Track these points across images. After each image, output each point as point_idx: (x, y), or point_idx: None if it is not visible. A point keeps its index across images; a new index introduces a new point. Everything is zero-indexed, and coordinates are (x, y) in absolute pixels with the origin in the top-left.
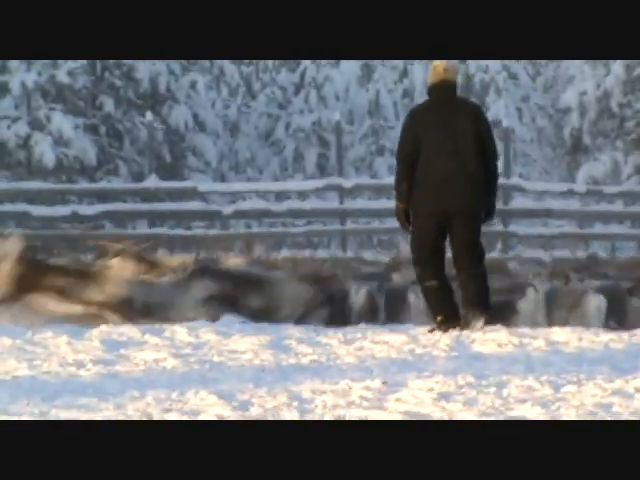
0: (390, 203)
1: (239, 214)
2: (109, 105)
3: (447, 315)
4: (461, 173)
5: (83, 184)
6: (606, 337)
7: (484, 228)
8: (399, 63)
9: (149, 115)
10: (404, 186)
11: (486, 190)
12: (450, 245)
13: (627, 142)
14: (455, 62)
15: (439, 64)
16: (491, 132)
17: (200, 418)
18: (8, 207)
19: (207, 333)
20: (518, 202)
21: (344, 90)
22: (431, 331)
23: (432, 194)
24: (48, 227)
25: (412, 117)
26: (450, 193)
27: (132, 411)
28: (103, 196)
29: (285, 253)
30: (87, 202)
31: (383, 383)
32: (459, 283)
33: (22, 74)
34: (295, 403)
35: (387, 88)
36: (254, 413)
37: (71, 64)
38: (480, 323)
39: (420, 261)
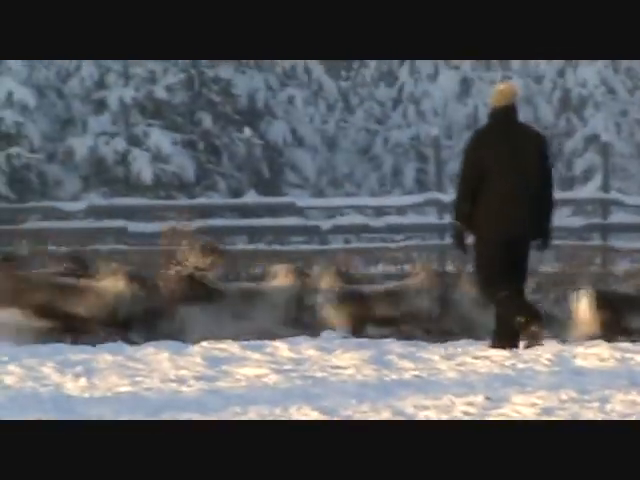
0: None
1: (337, 229)
2: (207, 121)
3: (529, 315)
4: (524, 197)
5: (181, 200)
6: None
7: (579, 242)
8: (496, 76)
9: (247, 130)
10: (465, 207)
11: (545, 216)
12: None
13: None
14: (515, 84)
15: (503, 87)
16: (550, 160)
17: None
18: (107, 223)
19: (308, 349)
20: (617, 217)
21: (442, 105)
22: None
23: (495, 217)
24: (146, 243)
25: (476, 139)
26: (512, 216)
27: None
28: (202, 212)
29: (382, 269)
30: (186, 218)
31: (486, 398)
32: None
33: (120, 90)
34: (398, 419)
35: (485, 102)
36: None
37: (169, 79)
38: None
39: (488, 281)
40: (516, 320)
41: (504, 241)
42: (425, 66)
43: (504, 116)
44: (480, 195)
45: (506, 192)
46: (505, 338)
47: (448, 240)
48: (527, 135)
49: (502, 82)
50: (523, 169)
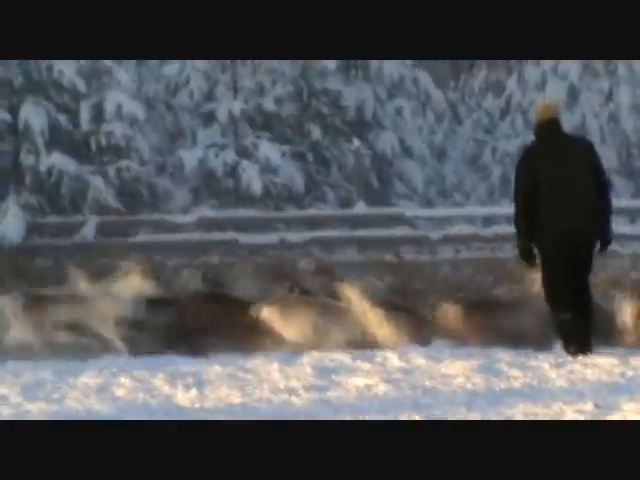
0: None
1: (447, 239)
2: (316, 132)
3: (579, 347)
4: (583, 207)
5: (291, 211)
6: None
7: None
8: (604, 86)
9: (356, 142)
10: (525, 225)
11: (604, 221)
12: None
13: None
14: (555, 100)
15: (547, 102)
16: (603, 167)
17: None
18: (217, 235)
19: (418, 358)
20: None
21: None
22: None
23: (558, 229)
24: (257, 255)
25: (527, 157)
26: (574, 227)
27: None
28: (311, 223)
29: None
30: (295, 229)
31: (595, 406)
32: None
33: (229, 102)
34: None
35: (593, 112)
36: None
37: (278, 91)
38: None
39: (553, 296)
40: (568, 349)
41: (567, 250)
42: (533, 75)
43: (550, 129)
44: (537, 209)
45: (561, 202)
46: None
47: None
48: (575, 144)
49: (543, 99)
50: (575, 177)
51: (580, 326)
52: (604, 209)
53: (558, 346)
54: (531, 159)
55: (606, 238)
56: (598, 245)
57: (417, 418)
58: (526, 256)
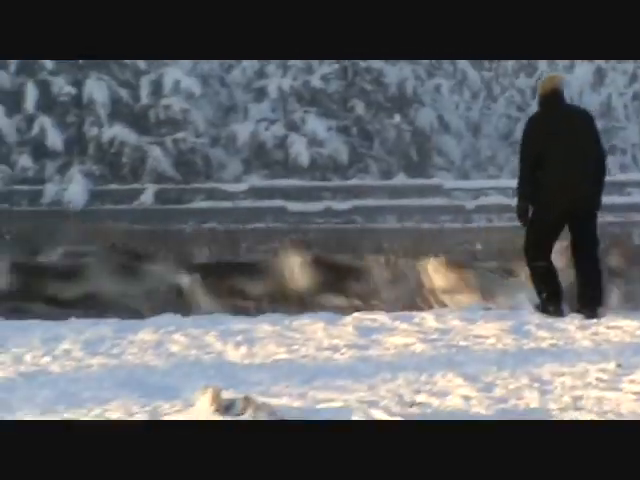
0: (627, 199)
1: (480, 209)
2: (360, 108)
3: (552, 292)
4: (583, 174)
5: (336, 181)
6: None
7: None
8: (629, 67)
9: (397, 117)
10: (527, 187)
11: (599, 188)
12: (572, 236)
13: None
14: (561, 74)
15: (552, 76)
16: (600, 137)
17: (448, 399)
18: (267, 203)
19: (453, 319)
20: None
21: (578, 93)
22: (537, 308)
23: (556, 192)
24: (303, 222)
25: (532, 124)
26: (574, 192)
27: (384, 392)
28: (354, 192)
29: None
30: (340, 198)
31: (618, 365)
32: (578, 269)
33: (279, 79)
34: (536, 385)
35: (618, 92)
36: (498, 394)
37: (325, 69)
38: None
39: (534, 245)
40: (541, 295)
41: (562, 213)
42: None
43: (553, 100)
44: (542, 174)
45: (564, 169)
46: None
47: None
48: (576, 114)
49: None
50: (577, 145)
51: (555, 277)
52: (600, 179)
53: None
54: (535, 128)
55: (597, 207)
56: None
57: (451, 375)
58: (523, 215)
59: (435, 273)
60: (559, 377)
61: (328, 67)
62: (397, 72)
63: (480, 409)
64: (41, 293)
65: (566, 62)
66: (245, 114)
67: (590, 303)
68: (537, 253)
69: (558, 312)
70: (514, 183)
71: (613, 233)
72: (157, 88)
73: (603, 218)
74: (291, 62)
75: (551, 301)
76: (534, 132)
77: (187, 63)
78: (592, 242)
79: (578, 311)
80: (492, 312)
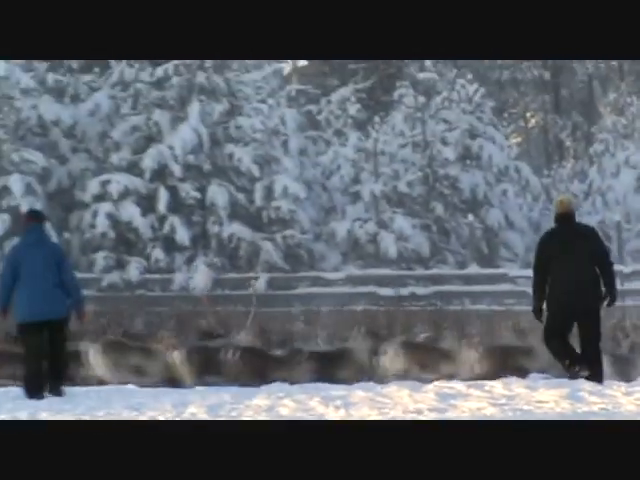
0: None
1: None
2: (439, 209)
3: (571, 361)
4: (580, 282)
5: (419, 270)
6: None
7: None
8: None
9: (470, 216)
10: (539, 292)
11: (611, 286)
12: (579, 330)
13: None
14: (572, 196)
15: (563, 199)
16: (604, 246)
17: None
18: (361, 289)
19: (519, 387)
20: None
21: (622, 196)
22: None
23: (562, 297)
24: (390, 304)
25: (545, 240)
26: (574, 297)
27: None
28: (435, 280)
29: None
30: (422, 284)
31: None
32: (583, 353)
33: (371, 185)
34: None
35: None
36: None
37: (409, 176)
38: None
39: (549, 338)
40: (563, 365)
41: (568, 314)
42: (609, 165)
43: (563, 221)
44: (550, 282)
45: (567, 279)
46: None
47: (628, 302)
48: (581, 234)
49: (561, 195)
50: (578, 261)
51: (572, 350)
52: (606, 280)
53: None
54: (548, 242)
55: (612, 295)
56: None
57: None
58: (537, 313)
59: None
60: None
61: (412, 175)
62: (470, 178)
63: None
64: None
65: (613, 169)
66: (343, 214)
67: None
68: (551, 341)
69: (579, 372)
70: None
71: None
72: (269, 192)
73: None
74: (382, 169)
75: (572, 366)
76: (546, 245)
77: (293, 171)
78: (593, 334)
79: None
80: (551, 381)
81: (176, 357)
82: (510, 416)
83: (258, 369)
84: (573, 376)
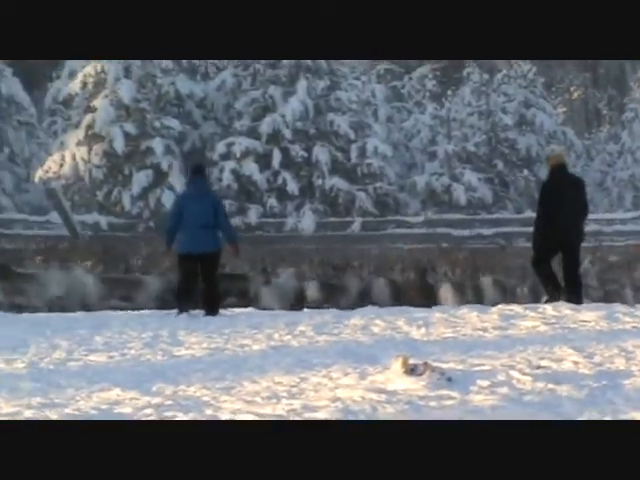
0: None
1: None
2: (500, 165)
3: (553, 287)
4: (569, 222)
5: (483, 215)
6: None
7: None
8: None
9: (525, 171)
10: (541, 225)
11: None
12: (563, 258)
13: None
14: (564, 149)
15: (559, 152)
16: (586, 195)
17: (562, 364)
18: (437, 230)
19: (566, 309)
20: None
21: None
22: (546, 301)
23: (556, 232)
24: (463, 243)
25: (545, 187)
26: (564, 234)
27: (519, 359)
28: (496, 223)
29: None
30: (486, 227)
31: None
32: (565, 279)
33: (445, 145)
34: (622, 354)
35: None
36: (597, 360)
37: (476, 138)
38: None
39: (542, 262)
40: (546, 289)
41: (559, 242)
42: (639, 130)
43: (557, 171)
44: (550, 217)
45: (562, 217)
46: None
47: None
48: (572, 180)
49: (555, 148)
50: (570, 200)
51: (555, 278)
52: (582, 221)
53: None
54: (547, 190)
55: (582, 237)
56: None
57: (564, 347)
58: (536, 244)
59: None
60: (639, 349)
61: (478, 138)
62: (525, 140)
63: (585, 370)
64: None
65: None
66: (422, 169)
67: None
68: (540, 264)
69: (558, 298)
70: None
71: None
72: (362, 152)
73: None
74: (454, 133)
75: (554, 293)
76: (546, 191)
77: (382, 134)
78: (575, 262)
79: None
80: (592, 304)
81: (312, 286)
82: (559, 332)
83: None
84: (553, 298)
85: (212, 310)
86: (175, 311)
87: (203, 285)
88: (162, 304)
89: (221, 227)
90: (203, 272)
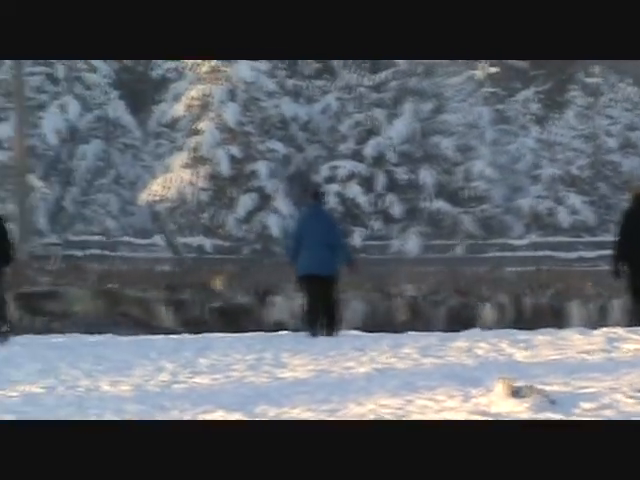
0: None
1: None
2: (604, 188)
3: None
4: None
5: (587, 238)
6: None
7: None
8: None
9: (628, 194)
10: (618, 259)
11: None
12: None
13: None
14: None
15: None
16: None
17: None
18: (540, 253)
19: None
20: None
21: None
22: None
23: (634, 254)
24: (563, 265)
25: (626, 215)
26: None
27: (623, 381)
28: (600, 245)
29: None
30: (589, 249)
31: None
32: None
33: (549, 169)
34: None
35: None
36: None
37: (580, 162)
38: None
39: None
40: None
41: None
42: None
43: (637, 203)
44: (631, 244)
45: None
46: None
47: None
48: None
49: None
50: None
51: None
52: None
53: None
54: (626, 218)
55: None
56: None
57: None
58: (616, 274)
59: None
60: None
61: (582, 161)
62: (630, 163)
63: None
64: None
65: None
66: (526, 192)
67: None
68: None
69: None
70: None
71: None
72: (468, 175)
73: None
74: (557, 156)
75: None
76: (625, 220)
77: (488, 156)
78: None
79: None
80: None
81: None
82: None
83: None
84: None
85: (332, 331)
86: (305, 332)
87: (322, 307)
88: None
89: (339, 247)
90: (323, 295)
